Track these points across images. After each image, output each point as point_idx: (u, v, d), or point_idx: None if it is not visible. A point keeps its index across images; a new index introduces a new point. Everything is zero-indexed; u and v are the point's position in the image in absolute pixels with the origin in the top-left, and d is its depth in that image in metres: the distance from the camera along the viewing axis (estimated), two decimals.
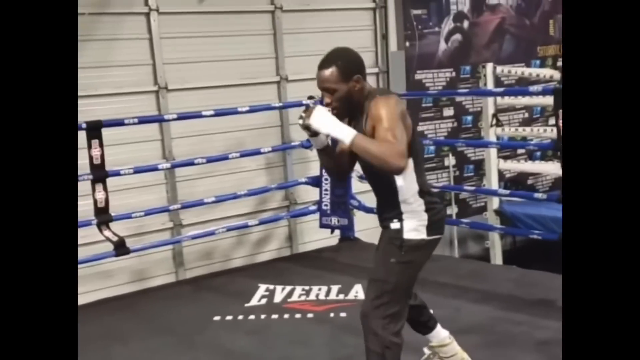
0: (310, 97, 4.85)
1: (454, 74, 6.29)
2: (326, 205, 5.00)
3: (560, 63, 6.75)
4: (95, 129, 3.97)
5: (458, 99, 6.30)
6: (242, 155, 4.76)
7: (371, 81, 5.41)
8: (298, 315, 3.75)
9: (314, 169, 5.17)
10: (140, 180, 4.58)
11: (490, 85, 5.30)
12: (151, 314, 3.94)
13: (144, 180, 4.63)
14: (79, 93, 4.35)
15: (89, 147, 3.96)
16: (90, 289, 4.38)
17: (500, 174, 5.83)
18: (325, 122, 2.25)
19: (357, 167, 2.59)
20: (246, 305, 3.95)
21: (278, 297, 4.05)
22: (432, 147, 6.12)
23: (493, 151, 5.45)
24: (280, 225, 5.41)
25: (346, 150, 2.39)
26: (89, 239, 4.27)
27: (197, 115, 4.48)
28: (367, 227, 4.90)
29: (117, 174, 4.15)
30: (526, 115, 6.74)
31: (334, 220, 5.01)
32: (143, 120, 4.39)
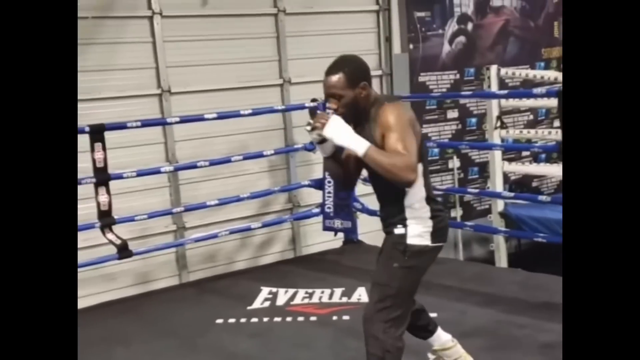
0: (313, 100, 4.85)
1: (458, 76, 6.27)
2: (329, 207, 4.99)
3: None
4: (98, 132, 3.98)
5: (462, 101, 6.28)
6: (245, 158, 4.76)
7: (375, 84, 5.41)
8: (301, 318, 3.73)
9: (317, 171, 5.16)
10: (143, 183, 4.59)
11: (494, 88, 5.28)
12: (154, 317, 3.94)
13: (147, 183, 4.64)
14: (83, 96, 4.37)
15: (92, 150, 3.97)
16: (93, 292, 4.38)
17: (505, 177, 5.80)
18: (341, 132, 2.28)
19: None
20: (249, 308, 3.94)
21: (281, 300, 4.04)
22: (436, 150, 6.10)
23: (497, 153, 5.43)
24: (283, 228, 5.40)
25: (352, 156, 2.41)
26: (92, 242, 4.28)
27: (200, 118, 4.48)
28: (370, 230, 4.89)
29: (120, 177, 4.15)
30: (531, 117, 6.72)
31: (338, 223, 5.00)
32: (146, 124, 4.39)
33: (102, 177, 4.01)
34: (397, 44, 5.88)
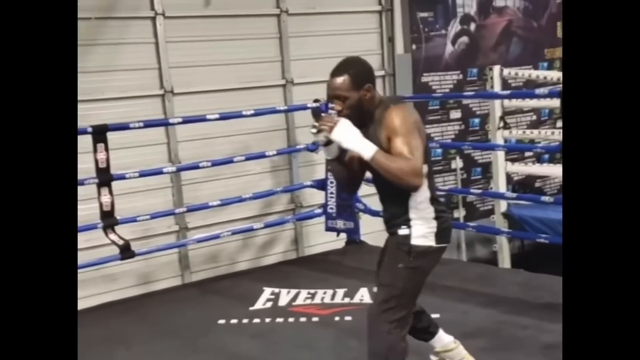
0: (315, 101, 4.85)
1: (460, 76, 6.27)
2: (332, 208, 4.99)
3: None
4: (100, 133, 3.99)
5: (465, 101, 6.28)
6: (247, 159, 4.76)
7: (377, 84, 5.39)
8: (303, 319, 3.73)
9: (320, 172, 5.15)
10: (146, 183, 4.59)
11: (497, 88, 5.28)
12: (156, 317, 3.94)
13: (150, 184, 4.64)
14: (85, 97, 4.39)
15: (95, 150, 3.97)
16: (95, 292, 4.39)
17: (508, 177, 5.79)
18: (349, 136, 2.29)
19: None
20: (251, 308, 3.94)
21: (283, 301, 4.04)
22: (439, 150, 6.10)
23: (500, 154, 5.42)
24: (285, 228, 5.40)
25: (356, 158, 2.42)
26: (95, 243, 4.28)
27: (202, 119, 4.48)
28: (373, 230, 4.88)
29: (122, 177, 4.15)
30: (534, 117, 6.70)
31: (340, 224, 4.99)
32: (148, 124, 4.40)
33: (105, 178, 4.01)
34: (400, 45, 5.88)
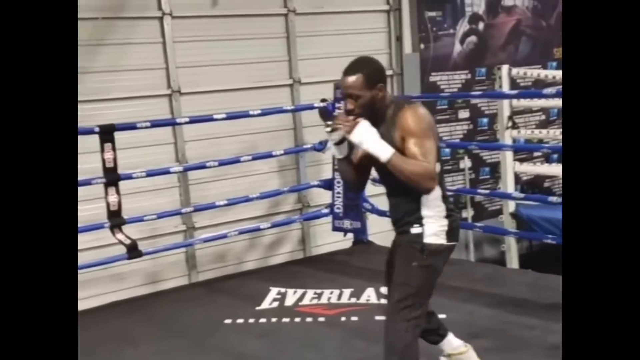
0: (323, 100, 4.85)
1: (469, 76, 6.24)
2: (339, 208, 4.98)
3: None
4: (108, 133, 4.00)
5: (473, 101, 6.25)
6: (254, 158, 4.76)
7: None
8: (309, 319, 3.72)
9: (327, 171, 5.15)
10: (153, 183, 4.60)
11: (505, 88, 5.25)
12: (163, 317, 3.94)
13: (157, 184, 4.65)
14: (93, 97, 4.41)
15: (102, 150, 3.98)
16: (102, 292, 4.41)
17: (517, 177, 5.75)
18: (367, 137, 2.32)
19: None
20: (258, 308, 3.94)
21: (290, 301, 4.03)
22: (447, 150, 6.07)
23: (509, 154, 5.39)
24: (292, 228, 5.39)
25: (365, 157, 2.44)
26: (102, 242, 4.30)
27: (209, 119, 4.48)
28: (380, 230, 4.87)
29: (129, 177, 4.16)
30: (543, 117, 6.66)
31: (347, 223, 4.99)
32: (156, 124, 4.41)
33: (112, 177, 4.03)
34: (408, 44, 5.86)
